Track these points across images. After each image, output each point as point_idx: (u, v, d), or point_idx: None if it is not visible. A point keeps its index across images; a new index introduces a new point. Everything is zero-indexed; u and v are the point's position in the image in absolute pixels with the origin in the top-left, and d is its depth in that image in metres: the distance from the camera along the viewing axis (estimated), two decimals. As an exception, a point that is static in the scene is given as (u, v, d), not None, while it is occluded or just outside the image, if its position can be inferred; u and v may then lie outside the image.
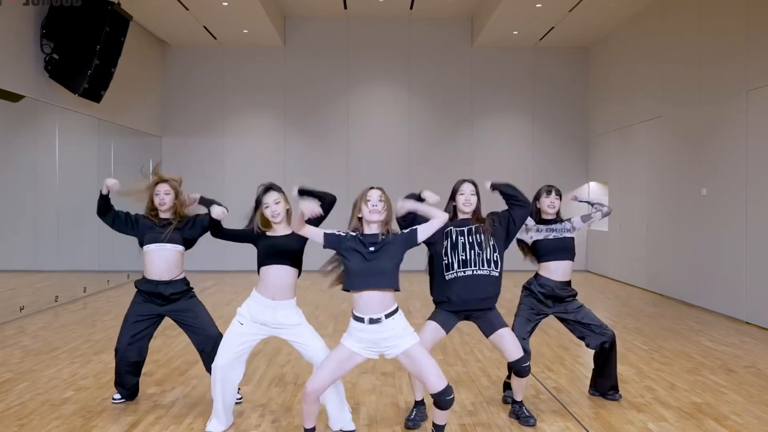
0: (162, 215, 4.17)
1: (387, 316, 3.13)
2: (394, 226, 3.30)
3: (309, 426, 3.28)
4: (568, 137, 12.18)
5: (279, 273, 3.58)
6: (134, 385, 4.25)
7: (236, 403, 4.20)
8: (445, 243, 3.71)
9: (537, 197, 4.28)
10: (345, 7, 11.30)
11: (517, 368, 3.73)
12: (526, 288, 4.26)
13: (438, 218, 3.22)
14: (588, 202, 4.59)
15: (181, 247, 4.10)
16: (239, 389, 4.27)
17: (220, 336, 3.98)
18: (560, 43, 11.72)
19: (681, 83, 8.57)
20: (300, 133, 12.02)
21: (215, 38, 11.36)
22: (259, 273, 3.65)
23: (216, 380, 3.65)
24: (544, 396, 4.41)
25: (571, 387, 4.59)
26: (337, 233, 3.23)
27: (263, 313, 3.58)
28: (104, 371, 4.98)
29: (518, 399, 3.91)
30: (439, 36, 12.03)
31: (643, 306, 8.22)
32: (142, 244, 4.13)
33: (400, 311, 3.22)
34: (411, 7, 11.29)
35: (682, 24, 8.55)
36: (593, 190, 12.02)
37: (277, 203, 3.59)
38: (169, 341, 6.01)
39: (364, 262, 3.13)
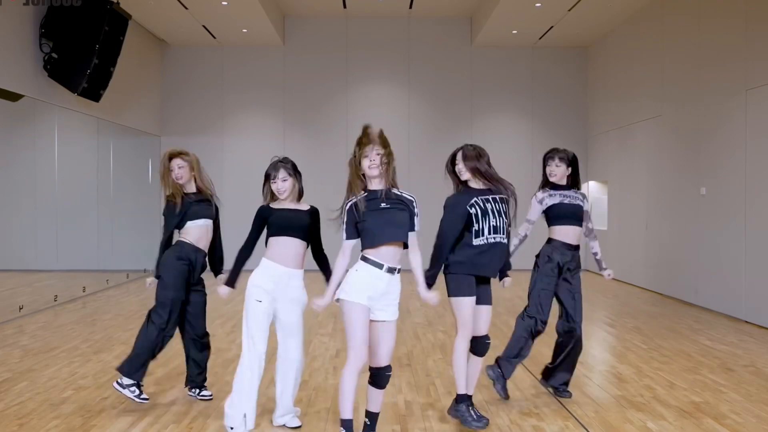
0: (187, 190, 4.21)
1: (398, 271, 3.24)
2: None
3: (348, 415, 3.18)
4: (568, 137, 12.17)
5: (292, 243, 3.63)
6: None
7: (207, 399, 4.24)
8: (473, 210, 3.66)
9: (544, 160, 4.30)
10: (344, 6, 11.30)
11: (479, 344, 3.77)
12: (545, 256, 4.24)
13: (420, 284, 3.36)
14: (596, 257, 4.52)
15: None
16: (206, 387, 4.30)
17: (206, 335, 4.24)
18: (559, 42, 11.72)
19: (680, 82, 8.57)
20: (299, 132, 12.02)
21: (214, 37, 11.35)
22: (267, 244, 3.67)
23: (254, 371, 3.51)
24: (543, 395, 4.41)
25: (570, 386, 4.59)
26: (348, 214, 3.21)
27: (279, 280, 3.58)
28: (103, 371, 4.98)
29: (469, 392, 3.74)
30: (439, 35, 12.03)
31: (643, 305, 8.23)
32: (183, 221, 4.16)
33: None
34: (410, 7, 11.29)
35: (681, 23, 8.55)
36: (593, 189, 12.03)
37: (284, 180, 3.63)
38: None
39: (382, 216, 3.15)
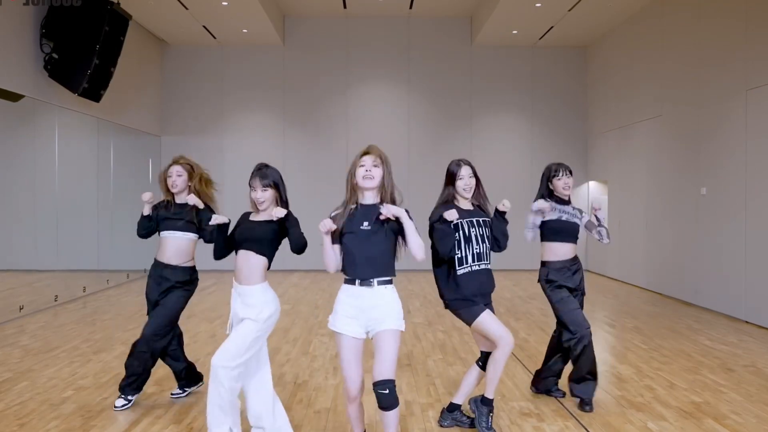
0: (178, 199, 4.16)
1: (380, 283, 2.95)
2: (397, 197, 3.06)
3: None
4: (568, 136, 12.19)
5: (244, 257, 3.33)
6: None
7: (178, 396, 4.31)
8: (457, 235, 3.51)
9: (549, 177, 4.19)
10: (344, 6, 11.30)
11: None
12: (548, 281, 4.15)
13: (416, 247, 2.95)
14: (600, 223, 4.35)
15: (193, 235, 4.10)
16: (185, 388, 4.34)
17: (152, 337, 4.00)
18: (559, 42, 11.72)
19: (680, 82, 8.57)
20: (299, 132, 12.02)
21: (215, 37, 11.36)
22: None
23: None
24: (543, 395, 4.40)
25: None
26: (338, 226, 3.00)
27: (235, 299, 3.38)
28: (103, 371, 4.98)
29: (490, 396, 3.66)
30: (439, 35, 12.03)
31: (643, 305, 8.22)
32: (159, 231, 4.20)
33: (394, 286, 3.02)
34: (410, 6, 11.29)
35: (681, 23, 8.55)
36: (592, 189, 12.03)
37: (264, 190, 3.33)
38: (169, 341, 6.01)
39: (361, 242, 2.93)
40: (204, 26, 10.66)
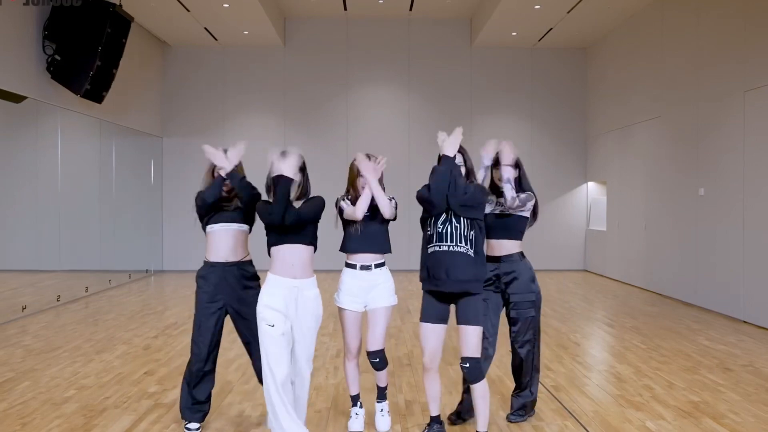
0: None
1: (376, 266, 3.59)
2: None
3: (354, 392, 3.73)
4: (567, 137, 12.21)
5: (291, 251, 3.24)
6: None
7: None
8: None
9: (497, 161, 3.87)
10: (345, 8, 11.33)
11: (462, 367, 3.32)
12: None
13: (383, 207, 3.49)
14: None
15: (245, 227, 3.66)
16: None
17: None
18: (559, 43, 11.75)
19: (679, 83, 8.59)
20: (300, 133, 12.04)
21: (216, 39, 11.39)
22: (270, 254, 3.29)
23: (282, 398, 3.19)
24: (542, 395, 4.42)
25: (569, 386, 4.62)
26: (340, 205, 3.61)
27: (288, 296, 3.21)
28: (105, 370, 5.02)
29: (480, 430, 3.33)
30: (439, 37, 12.06)
31: (642, 305, 8.25)
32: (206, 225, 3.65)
33: (387, 267, 3.65)
34: (410, 8, 11.32)
35: (680, 24, 8.58)
36: (591, 189, 12.06)
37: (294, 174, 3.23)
38: (171, 340, 6.05)
39: (358, 227, 3.54)
40: (205, 28, 10.70)
